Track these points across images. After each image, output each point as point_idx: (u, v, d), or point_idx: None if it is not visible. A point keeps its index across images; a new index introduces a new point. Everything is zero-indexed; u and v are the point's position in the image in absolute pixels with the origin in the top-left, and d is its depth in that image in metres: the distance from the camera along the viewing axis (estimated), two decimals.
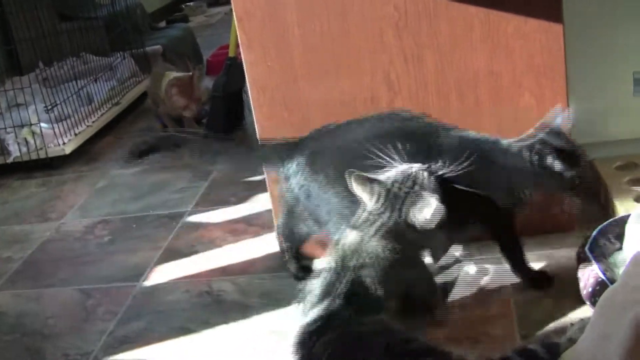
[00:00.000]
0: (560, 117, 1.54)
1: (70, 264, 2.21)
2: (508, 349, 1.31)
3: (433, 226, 1.39)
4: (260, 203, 2.32)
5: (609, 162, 2.00)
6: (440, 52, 1.76)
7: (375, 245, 1.41)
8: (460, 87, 1.77)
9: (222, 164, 2.43)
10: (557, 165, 1.50)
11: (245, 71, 1.84)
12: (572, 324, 1.41)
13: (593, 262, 1.54)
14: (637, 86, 2.07)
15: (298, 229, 1.78)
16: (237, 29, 1.82)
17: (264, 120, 1.86)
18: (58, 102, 3.20)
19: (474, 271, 1.77)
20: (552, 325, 1.53)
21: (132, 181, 2.83)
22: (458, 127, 1.62)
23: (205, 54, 4.37)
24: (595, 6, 2.01)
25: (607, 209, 1.88)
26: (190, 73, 3.19)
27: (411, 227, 1.41)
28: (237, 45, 2.12)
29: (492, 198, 1.56)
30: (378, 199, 1.43)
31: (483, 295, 1.69)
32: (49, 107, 3.15)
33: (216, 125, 3.04)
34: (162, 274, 2.04)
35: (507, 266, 1.68)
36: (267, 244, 2.06)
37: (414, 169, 1.44)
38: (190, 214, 2.41)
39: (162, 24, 5.38)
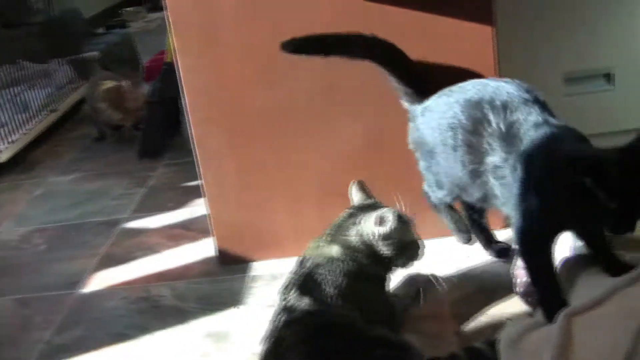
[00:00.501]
0: None
1: (6, 274, 2.18)
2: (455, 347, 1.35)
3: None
4: (198, 208, 2.33)
5: None
6: None
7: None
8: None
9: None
10: None
11: (180, 76, 1.84)
12: (508, 319, 1.46)
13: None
14: (568, 87, 2.15)
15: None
16: (172, 33, 1.81)
17: (199, 125, 1.87)
18: None
19: None
20: (486, 321, 1.57)
21: (69, 189, 2.81)
22: None
23: (145, 59, 4.33)
24: (526, 8, 2.06)
25: None
26: (121, 84, 3.15)
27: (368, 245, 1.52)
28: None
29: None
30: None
31: None
32: None
33: (152, 133, 3.03)
34: (100, 280, 2.03)
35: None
36: (205, 249, 2.07)
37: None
38: (129, 220, 2.41)
39: (102, 29, 5.33)
